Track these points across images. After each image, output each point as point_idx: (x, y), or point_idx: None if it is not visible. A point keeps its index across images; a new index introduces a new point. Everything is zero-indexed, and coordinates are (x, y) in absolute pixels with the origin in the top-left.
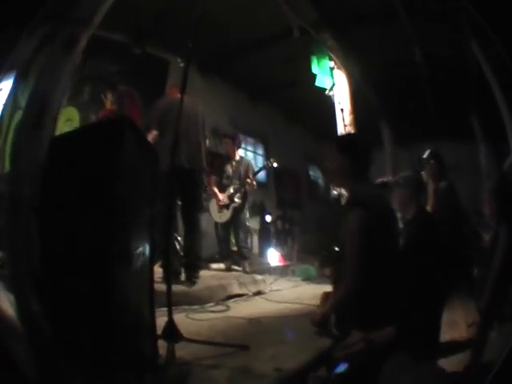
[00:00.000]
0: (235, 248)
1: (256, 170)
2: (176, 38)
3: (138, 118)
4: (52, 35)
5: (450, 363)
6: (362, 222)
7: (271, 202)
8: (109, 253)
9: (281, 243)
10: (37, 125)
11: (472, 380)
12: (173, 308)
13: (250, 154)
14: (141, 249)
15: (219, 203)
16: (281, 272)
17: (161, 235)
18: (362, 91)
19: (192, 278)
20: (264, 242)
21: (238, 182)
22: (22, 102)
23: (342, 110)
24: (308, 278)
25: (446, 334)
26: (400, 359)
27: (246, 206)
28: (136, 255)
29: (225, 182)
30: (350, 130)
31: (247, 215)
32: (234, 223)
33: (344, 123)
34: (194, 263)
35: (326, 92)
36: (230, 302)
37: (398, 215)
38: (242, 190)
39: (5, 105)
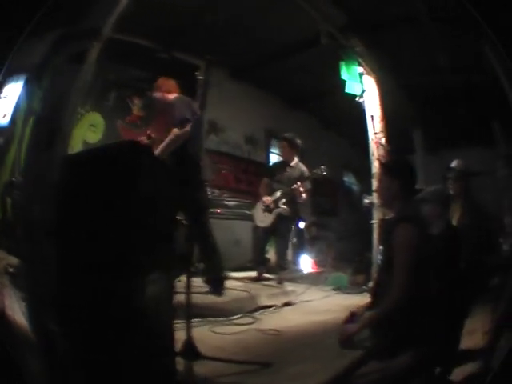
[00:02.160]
0: (271, 256)
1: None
2: (204, 43)
3: (168, 124)
4: (61, 45)
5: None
6: (413, 238)
7: (306, 208)
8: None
9: (315, 250)
10: (48, 145)
11: None
12: (197, 320)
13: None
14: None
15: (263, 205)
16: (313, 279)
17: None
18: (392, 97)
19: (218, 291)
20: (297, 249)
21: (286, 188)
22: (37, 107)
23: (372, 116)
24: (339, 288)
25: (464, 343)
26: None
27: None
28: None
29: (275, 185)
30: (381, 137)
31: (293, 226)
32: (277, 231)
33: (374, 131)
34: (217, 276)
35: (356, 99)
36: (257, 314)
37: None
38: (290, 196)
39: (16, 109)
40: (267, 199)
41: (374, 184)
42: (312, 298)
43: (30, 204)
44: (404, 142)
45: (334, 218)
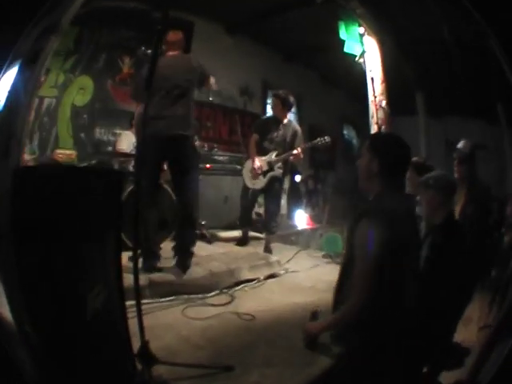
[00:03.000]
0: (262, 218)
1: (306, 141)
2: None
3: None
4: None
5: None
6: (378, 239)
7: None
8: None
9: (311, 204)
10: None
11: None
12: (172, 298)
13: None
14: None
15: (255, 167)
16: (308, 236)
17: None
18: (394, 59)
19: (184, 264)
20: (293, 203)
21: (281, 149)
22: None
23: (372, 78)
24: (330, 255)
25: (457, 335)
26: None
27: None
28: None
29: (266, 145)
30: (381, 99)
31: (285, 187)
32: (269, 193)
33: (374, 94)
34: (189, 225)
35: (356, 59)
36: (237, 291)
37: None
38: (286, 158)
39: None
40: (261, 162)
41: None
42: (299, 269)
43: None
44: (405, 104)
45: (331, 172)
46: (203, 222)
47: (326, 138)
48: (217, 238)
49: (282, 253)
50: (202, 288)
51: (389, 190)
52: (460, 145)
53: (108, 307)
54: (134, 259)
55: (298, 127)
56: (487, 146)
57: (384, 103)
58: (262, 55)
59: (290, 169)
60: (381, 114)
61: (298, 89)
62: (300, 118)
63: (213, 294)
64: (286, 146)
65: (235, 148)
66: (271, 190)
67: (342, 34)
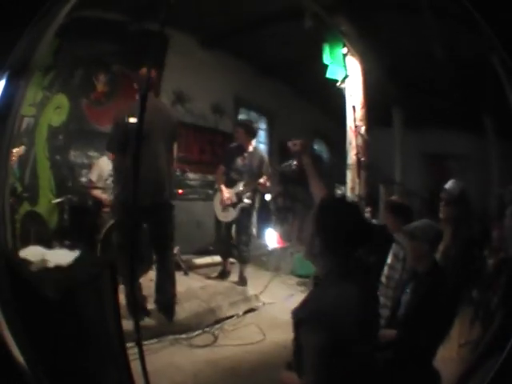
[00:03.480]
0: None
1: (273, 166)
2: (177, 12)
3: (132, 98)
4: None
5: None
6: (319, 346)
7: (273, 179)
8: None
9: (280, 222)
10: None
11: None
12: (156, 340)
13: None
14: None
15: (224, 199)
16: (279, 256)
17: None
18: (375, 77)
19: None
20: (263, 222)
21: (248, 179)
22: None
23: (353, 107)
24: (303, 274)
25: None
26: None
27: (255, 207)
28: None
29: (234, 176)
30: (361, 125)
31: (255, 216)
32: (239, 224)
33: (355, 123)
34: (166, 303)
35: (338, 84)
36: (217, 329)
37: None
38: (253, 188)
39: None
40: (229, 194)
41: (348, 177)
42: (274, 300)
43: None
44: (382, 116)
45: (301, 188)
46: (176, 250)
47: (291, 162)
48: (192, 265)
49: (256, 280)
50: (186, 327)
51: (334, 275)
52: (448, 185)
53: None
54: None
55: (263, 154)
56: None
57: (363, 129)
58: (235, 70)
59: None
60: (359, 141)
61: (270, 105)
62: (270, 136)
63: (196, 333)
64: (253, 174)
65: (205, 168)
66: (241, 221)
67: (326, 58)
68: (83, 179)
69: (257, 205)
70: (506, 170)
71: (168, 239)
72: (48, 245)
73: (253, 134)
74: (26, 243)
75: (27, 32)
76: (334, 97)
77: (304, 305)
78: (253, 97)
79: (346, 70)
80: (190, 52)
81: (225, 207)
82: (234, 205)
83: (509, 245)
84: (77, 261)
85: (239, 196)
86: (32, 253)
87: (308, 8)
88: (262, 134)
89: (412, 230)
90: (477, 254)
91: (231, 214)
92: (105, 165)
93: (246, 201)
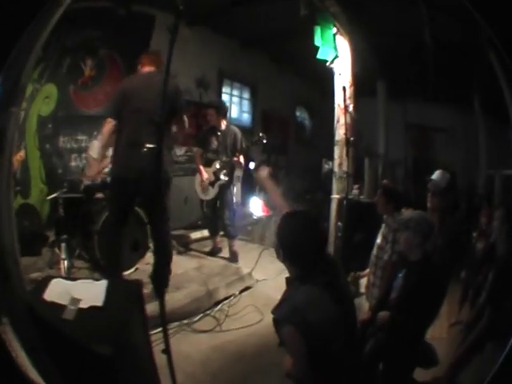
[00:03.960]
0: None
1: (244, 143)
2: None
3: (118, 82)
4: None
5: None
6: (298, 341)
7: (256, 148)
8: None
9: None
10: None
11: None
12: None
13: (235, 100)
14: None
15: (203, 179)
16: (264, 224)
17: None
18: (362, 55)
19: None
20: (247, 191)
21: (224, 157)
22: None
23: (344, 88)
24: None
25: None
26: None
27: (234, 182)
28: None
29: (210, 156)
30: (349, 103)
31: (234, 191)
32: (220, 200)
33: (345, 103)
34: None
35: (328, 64)
36: (217, 311)
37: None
38: (229, 165)
39: None
40: (207, 174)
41: (336, 153)
42: (266, 276)
43: None
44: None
45: (284, 156)
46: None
47: (260, 135)
48: (184, 240)
49: (246, 254)
50: (187, 313)
51: (299, 280)
52: (435, 176)
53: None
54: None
55: (236, 130)
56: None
57: (351, 107)
58: (218, 44)
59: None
60: (348, 118)
61: (253, 75)
62: (254, 105)
63: (198, 318)
64: (228, 151)
65: (190, 141)
66: (222, 198)
67: (317, 40)
68: (72, 163)
69: (236, 180)
70: (493, 148)
71: (165, 214)
72: (41, 237)
73: (224, 113)
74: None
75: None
76: (320, 73)
77: (280, 305)
78: (236, 68)
79: (337, 51)
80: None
81: (204, 187)
82: (212, 183)
83: (498, 246)
84: (108, 294)
85: (217, 174)
86: (57, 293)
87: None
88: (245, 104)
89: (406, 221)
90: (465, 240)
91: (211, 193)
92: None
93: (223, 177)
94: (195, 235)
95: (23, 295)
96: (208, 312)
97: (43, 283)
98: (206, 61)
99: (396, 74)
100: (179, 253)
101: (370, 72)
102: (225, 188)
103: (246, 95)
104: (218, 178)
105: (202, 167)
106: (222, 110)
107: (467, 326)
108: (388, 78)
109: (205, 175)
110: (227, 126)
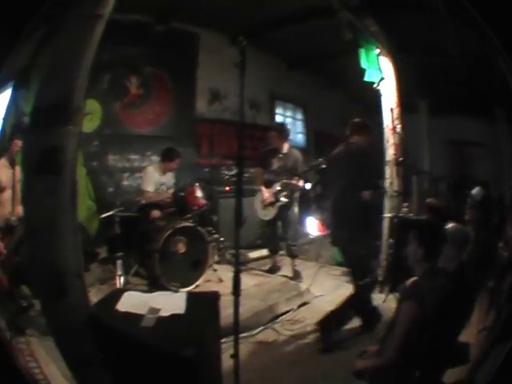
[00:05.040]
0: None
1: (304, 167)
2: (205, 9)
3: (168, 101)
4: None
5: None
6: (414, 316)
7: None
8: None
9: (320, 209)
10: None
11: None
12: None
13: (288, 120)
14: None
15: (264, 199)
16: (321, 244)
17: None
18: (405, 75)
19: None
20: (304, 211)
21: (284, 179)
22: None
23: (391, 109)
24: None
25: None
26: None
27: (295, 203)
28: None
29: (271, 177)
30: (397, 123)
31: (295, 210)
32: (282, 220)
33: (393, 124)
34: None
35: (375, 86)
36: (276, 324)
37: None
38: (289, 187)
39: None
40: (268, 195)
41: (387, 172)
42: (323, 292)
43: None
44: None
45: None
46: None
47: (320, 160)
48: (243, 259)
49: (303, 271)
50: (247, 328)
51: (428, 274)
52: (474, 191)
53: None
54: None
55: (298, 154)
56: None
57: (399, 128)
58: (267, 65)
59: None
60: (396, 139)
61: (303, 96)
62: (307, 126)
63: (258, 330)
64: (289, 174)
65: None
66: (284, 218)
67: (363, 62)
68: (125, 183)
69: (295, 201)
70: None
71: None
72: (89, 254)
73: (286, 135)
74: None
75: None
76: (368, 94)
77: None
78: (286, 89)
79: (382, 73)
80: (220, 50)
81: (265, 206)
82: (272, 204)
83: None
84: (190, 304)
85: (277, 196)
86: (132, 304)
87: (344, 21)
88: (299, 125)
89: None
90: (494, 251)
91: (270, 213)
92: (153, 172)
93: (284, 199)
94: (254, 254)
95: (86, 309)
96: (268, 325)
97: (112, 296)
98: (255, 82)
99: (433, 90)
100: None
101: (412, 90)
102: (285, 209)
103: (299, 116)
104: (277, 200)
105: (263, 187)
106: (284, 133)
107: (491, 331)
108: (428, 95)
109: (265, 195)
110: (289, 149)
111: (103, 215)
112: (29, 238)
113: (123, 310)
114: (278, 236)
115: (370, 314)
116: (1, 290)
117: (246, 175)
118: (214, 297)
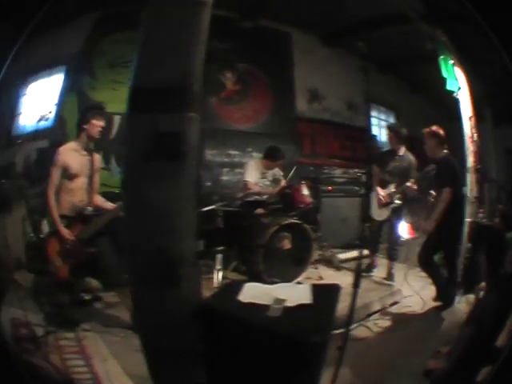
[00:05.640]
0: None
1: (417, 173)
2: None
3: (268, 99)
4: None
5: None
6: None
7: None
8: None
9: (411, 212)
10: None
11: None
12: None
13: (382, 123)
14: None
15: (381, 199)
16: (409, 246)
17: None
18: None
19: None
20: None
21: (399, 180)
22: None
23: (470, 118)
24: None
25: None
26: None
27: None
28: None
29: (386, 177)
30: (473, 132)
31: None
32: (391, 223)
33: (471, 131)
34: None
35: (455, 95)
36: (370, 321)
37: None
38: (403, 190)
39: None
40: (384, 195)
41: (468, 179)
42: (411, 293)
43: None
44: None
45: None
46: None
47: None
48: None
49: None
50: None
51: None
52: None
53: None
54: None
55: (412, 158)
56: None
57: (476, 136)
58: (357, 66)
59: None
60: (474, 147)
61: (394, 100)
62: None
63: (354, 326)
64: (402, 177)
65: (346, 163)
66: (394, 221)
67: (444, 71)
68: (224, 178)
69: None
70: None
71: None
72: None
73: (402, 137)
74: None
75: None
76: (449, 102)
77: None
78: (379, 92)
79: (458, 82)
80: (312, 50)
81: (380, 206)
82: (386, 205)
83: None
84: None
85: (391, 197)
86: (255, 295)
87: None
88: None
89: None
90: None
91: (384, 214)
92: (256, 167)
93: (397, 201)
94: (352, 254)
95: (198, 299)
96: (362, 322)
97: (229, 287)
98: (349, 83)
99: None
100: (337, 269)
101: (480, 100)
102: (397, 211)
103: (392, 119)
104: (391, 201)
105: (379, 188)
106: (399, 134)
107: None
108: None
109: (382, 194)
110: (405, 153)
111: (204, 209)
112: (132, 226)
113: (246, 301)
114: (379, 237)
115: None
116: (56, 281)
117: (346, 176)
118: (336, 289)
